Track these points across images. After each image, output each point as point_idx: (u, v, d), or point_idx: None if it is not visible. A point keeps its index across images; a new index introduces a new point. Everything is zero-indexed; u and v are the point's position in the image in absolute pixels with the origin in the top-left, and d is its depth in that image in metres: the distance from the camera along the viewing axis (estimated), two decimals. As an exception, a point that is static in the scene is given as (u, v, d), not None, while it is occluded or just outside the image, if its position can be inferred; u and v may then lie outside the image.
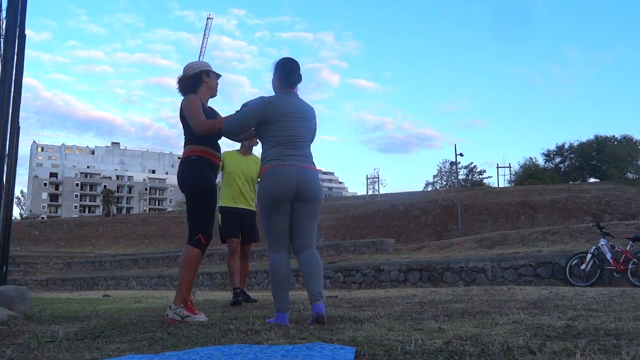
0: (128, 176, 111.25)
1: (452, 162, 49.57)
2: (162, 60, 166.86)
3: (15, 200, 19.29)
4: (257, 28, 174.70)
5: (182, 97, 3.79)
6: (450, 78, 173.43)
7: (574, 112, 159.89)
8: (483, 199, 36.85)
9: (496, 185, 51.82)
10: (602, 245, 8.36)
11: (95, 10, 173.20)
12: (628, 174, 46.83)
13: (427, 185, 64.48)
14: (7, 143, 4.40)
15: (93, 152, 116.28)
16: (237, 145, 5.69)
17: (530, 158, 60.20)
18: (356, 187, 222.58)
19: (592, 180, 53.04)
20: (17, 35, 4.43)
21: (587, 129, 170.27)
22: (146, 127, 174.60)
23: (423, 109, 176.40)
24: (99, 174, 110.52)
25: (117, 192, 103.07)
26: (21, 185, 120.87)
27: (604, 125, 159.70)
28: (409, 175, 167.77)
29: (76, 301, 7.82)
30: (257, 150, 5.56)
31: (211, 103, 3.92)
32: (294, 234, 3.36)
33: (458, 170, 46.17)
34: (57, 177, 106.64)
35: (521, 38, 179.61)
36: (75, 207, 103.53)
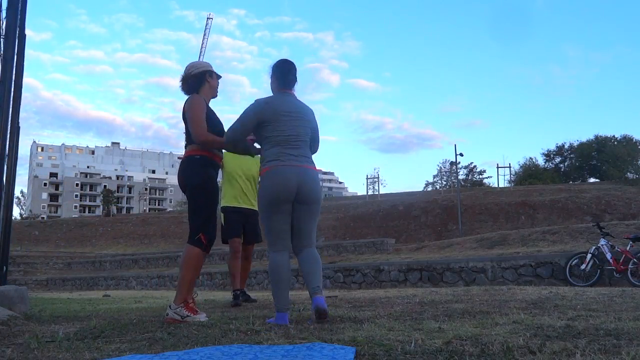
0: (128, 176, 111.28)
1: (452, 162, 49.63)
2: (162, 60, 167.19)
3: (15, 200, 19.30)
4: (257, 28, 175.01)
5: (184, 96, 3.80)
6: (450, 78, 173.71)
7: (574, 112, 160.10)
8: (483, 199, 36.85)
9: (496, 185, 51.88)
10: (602, 245, 8.36)
11: (95, 10, 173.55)
12: (628, 174, 46.83)
13: (427, 185, 64.58)
14: (7, 143, 4.40)
15: (93, 152, 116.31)
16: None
17: (530, 158, 60.31)
18: (356, 187, 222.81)
19: (592, 180, 53.05)
20: (17, 35, 4.43)
21: (587, 129, 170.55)
22: (146, 127, 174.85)
23: (423, 109, 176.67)
24: (99, 174, 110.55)
25: (117, 192, 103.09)
26: (21, 185, 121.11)
27: (604, 125, 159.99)
28: (409, 175, 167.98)
29: (76, 301, 7.82)
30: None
31: (211, 103, 3.92)
32: (294, 235, 3.38)
33: (458, 170, 46.22)
34: (57, 177, 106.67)
35: (521, 38, 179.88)
36: (75, 207, 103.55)
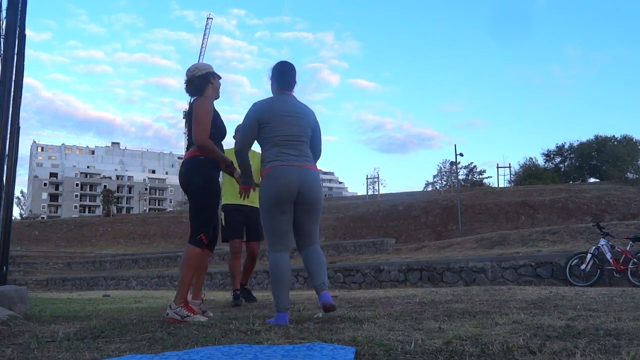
0: (128, 176, 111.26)
1: (452, 162, 49.59)
2: (162, 60, 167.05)
3: (15, 200, 19.28)
4: (257, 28, 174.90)
5: (184, 96, 3.85)
6: (450, 78, 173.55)
7: (574, 112, 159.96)
8: (483, 199, 36.84)
9: (496, 185, 51.85)
10: (602, 245, 8.36)
11: (95, 10, 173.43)
12: (628, 174, 46.80)
13: (427, 185, 64.50)
14: (7, 143, 4.40)
15: (93, 152, 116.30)
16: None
17: (530, 158, 60.25)
18: (356, 187, 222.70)
19: (592, 180, 53.02)
20: (17, 35, 4.43)
21: (587, 129, 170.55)
22: (146, 127, 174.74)
23: (423, 109, 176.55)
24: (99, 174, 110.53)
25: (117, 192, 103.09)
26: (21, 185, 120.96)
27: (604, 125, 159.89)
28: (409, 175, 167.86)
29: (76, 301, 7.82)
30: (257, 149, 5.54)
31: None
32: (297, 235, 3.39)
33: (458, 170, 46.20)
34: (57, 177, 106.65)
35: (521, 38, 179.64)
36: (75, 207, 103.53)
